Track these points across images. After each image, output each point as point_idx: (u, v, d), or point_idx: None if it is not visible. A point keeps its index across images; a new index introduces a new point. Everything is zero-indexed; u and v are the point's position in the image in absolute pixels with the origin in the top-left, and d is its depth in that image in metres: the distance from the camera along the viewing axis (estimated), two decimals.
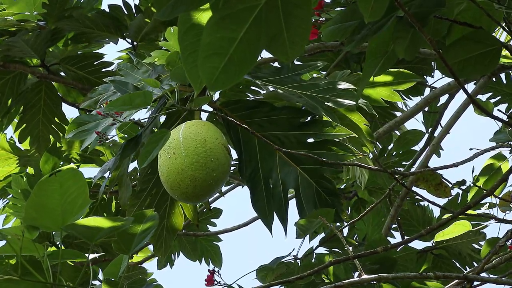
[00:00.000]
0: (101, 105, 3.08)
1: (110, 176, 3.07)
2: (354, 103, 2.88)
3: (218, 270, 3.18)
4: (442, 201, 4.80)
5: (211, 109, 3.03)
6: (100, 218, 2.18)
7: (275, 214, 2.93)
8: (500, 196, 3.54)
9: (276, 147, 2.56)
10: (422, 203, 4.90)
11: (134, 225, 2.31)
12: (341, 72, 3.19)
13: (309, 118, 2.94)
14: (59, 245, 2.30)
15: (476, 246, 4.47)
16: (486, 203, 3.64)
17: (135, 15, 4.53)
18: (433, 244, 4.53)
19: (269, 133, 2.95)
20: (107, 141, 2.84)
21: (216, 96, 3.15)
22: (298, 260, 3.41)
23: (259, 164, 2.95)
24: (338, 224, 3.04)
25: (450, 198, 4.68)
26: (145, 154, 2.53)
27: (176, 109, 2.87)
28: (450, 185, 4.43)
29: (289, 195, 3.00)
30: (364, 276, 2.49)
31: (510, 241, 3.07)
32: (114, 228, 2.19)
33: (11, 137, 5.03)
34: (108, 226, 2.18)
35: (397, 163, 5.10)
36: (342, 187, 5.32)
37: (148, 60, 3.11)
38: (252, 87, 3.33)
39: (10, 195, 4.62)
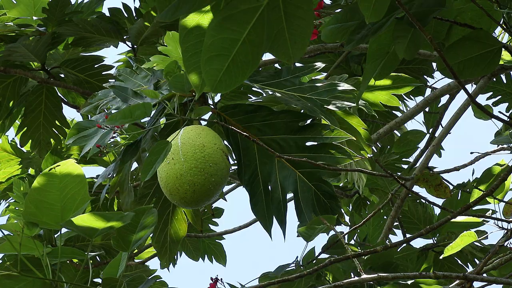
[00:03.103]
0: (104, 109, 3.08)
1: (111, 181, 3.07)
2: (354, 104, 2.88)
3: (221, 279, 3.17)
4: (442, 200, 4.80)
5: (210, 114, 3.03)
6: (100, 214, 2.17)
7: (274, 217, 2.93)
8: (503, 200, 3.54)
9: (277, 155, 2.56)
10: (422, 200, 4.90)
11: (133, 222, 2.30)
12: (339, 76, 3.19)
13: (307, 122, 2.94)
14: (59, 244, 2.30)
15: (477, 244, 4.48)
16: (489, 209, 3.64)
17: (135, 18, 4.53)
18: (434, 242, 4.54)
19: (268, 137, 2.95)
20: (107, 153, 2.85)
21: (217, 98, 3.15)
22: (301, 267, 3.42)
23: (258, 168, 2.95)
24: (339, 226, 3.04)
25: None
26: (147, 166, 2.52)
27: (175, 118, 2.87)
28: (451, 187, 4.44)
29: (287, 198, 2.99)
30: (364, 276, 2.49)
31: (509, 241, 3.07)
32: (114, 225, 2.18)
33: (13, 138, 5.04)
34: (108, 223, 2.18)
35: (397, 160, 5.11)
36: (342, 184, 5.31)
37: (147, 65, 3.11)
38: (253, 89, 3.33)
39: (12, 199, 4.63)
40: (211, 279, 3.21)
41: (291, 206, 3.01)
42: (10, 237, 2.20)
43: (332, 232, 2.85)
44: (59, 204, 2.15)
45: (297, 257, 3.49)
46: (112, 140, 2.84)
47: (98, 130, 2.90)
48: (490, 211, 3.83)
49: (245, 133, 2.61)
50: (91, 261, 2.43)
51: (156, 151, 2.55)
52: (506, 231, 2.93)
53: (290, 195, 3.31)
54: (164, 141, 2.58)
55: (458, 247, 3.15)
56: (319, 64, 3.06)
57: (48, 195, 2.14)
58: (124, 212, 2.18)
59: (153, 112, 3.00)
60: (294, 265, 3.48)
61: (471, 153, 4.18)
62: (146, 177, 2.52)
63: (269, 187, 2.94)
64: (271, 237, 2.95)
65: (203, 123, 2.99)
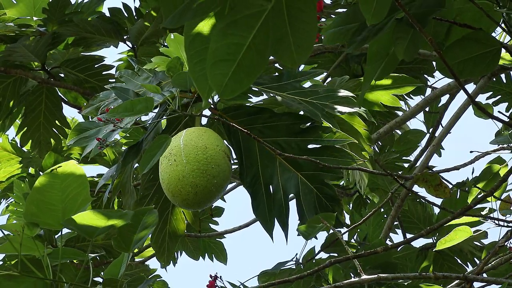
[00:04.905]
0: (104, 111, 3.09)
1: (113, 182, 3.07)
2: (353, 110, 2.88)
3: (220, 276, 3.18)
4: (441, 200, 4.80)
5: (212, 115, 3.03)
6: (100, 213, 2.16)
7: (276, 219, 2.94)
8: (500, 198, 3.54)
9: (277, 152, 2.56)
10: (422, 200, 4.91)
11: (134, 222, 2.29)
12: (340, 78, 3.20)
13: (309, 124, 2.95)
14: (60, 244, 2.29)
15: (477, 243, 4.49)
16: (486, 207, 3.63)
17: (136, 18, 4.54)
18: (434, 241, 4.55)
19: (269, 139, 2.95)
20: (108, 146, 2.85)
21: (216, 97, 3.15)
22: (300, 265, 3.42)
23: (260, 170, 2.95)
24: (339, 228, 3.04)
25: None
26: (146, 160, 2.53)
27: (177, 115, 2.87)
28: (450, 186, 4.44)
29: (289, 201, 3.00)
30: (364, 277, 2.49)
31: (509, 241, 3.08)
32: (114, 224, 2.18)
33: (13, 138, 5.05)
34: (108, 222, 2.17)
35: (397, 159, 5.12)
36: (342, 183, 5.32)
37: (149, 66, 3.11)
38: (253, 89, 3.34)
39: (12, 200, 4.64)
40: (210, 276, 3.21)
41: (292, 207, 3.02)
42: (11, 237, 2.20)
43: (331, 230, 2.86)
44: (60, 204, 2.14)
45: (296, 254, 3.49)
46: (111, 132, 2.84)
47: (100, 131, 2.90)
48: (488, 209, 3.83)
49: (246, 131, 2.61)
50: (91, 261, 2.43)
51: (156, 146, 2.55)
52: (506, 231, 2.94)
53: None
54: (164, 135, 2.59)
55: (453, 241, 3.14)
56: (320, 71, 3.07)
57: (50, 196, 2.13)
58: (124, 211, 2.17)
59: (154, 114, 3.01)
60: (293, 262, 3.48)
61: (471, 152, 4.18)
62: (144, 170, 2.52)
63: (271, 189, 2.95)
64: (272, 240, 2.95)
65: (204, 120, 3.00)
